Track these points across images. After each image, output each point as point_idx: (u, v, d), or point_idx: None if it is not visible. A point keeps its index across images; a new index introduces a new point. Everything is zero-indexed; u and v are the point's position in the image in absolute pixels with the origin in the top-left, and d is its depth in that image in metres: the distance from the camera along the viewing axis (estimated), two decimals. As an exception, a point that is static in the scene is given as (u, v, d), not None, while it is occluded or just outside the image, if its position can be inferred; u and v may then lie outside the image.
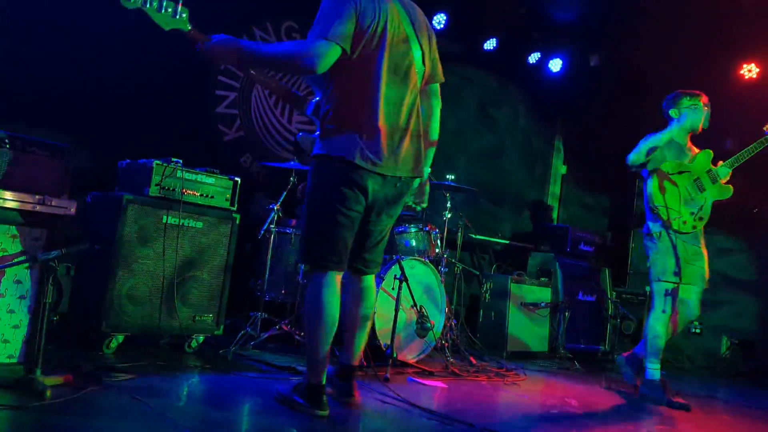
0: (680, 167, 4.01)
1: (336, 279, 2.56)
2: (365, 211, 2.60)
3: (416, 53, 2.63)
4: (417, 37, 2.64)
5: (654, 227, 3.96)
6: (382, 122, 2.51)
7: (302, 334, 3.95)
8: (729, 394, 4.87)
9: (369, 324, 2.81)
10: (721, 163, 4.12)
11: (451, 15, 5.90)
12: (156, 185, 3.40)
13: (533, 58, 6.58)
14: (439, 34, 5.86)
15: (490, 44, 6.25)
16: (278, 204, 4.04)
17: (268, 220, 4.00)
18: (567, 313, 5.43)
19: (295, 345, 3.94)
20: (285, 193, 4.11)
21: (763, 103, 5.61)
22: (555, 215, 7.35)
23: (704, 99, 4.11)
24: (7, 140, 2.46)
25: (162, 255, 3.39)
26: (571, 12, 6.14)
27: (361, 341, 2.79)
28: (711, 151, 4.12)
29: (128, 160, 3.59)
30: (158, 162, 3.40)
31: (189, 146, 4.48)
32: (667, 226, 3.89)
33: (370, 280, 2.80)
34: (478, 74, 6.48)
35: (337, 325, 2.56)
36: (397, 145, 2.56)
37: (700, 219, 3.98)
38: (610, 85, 6.88)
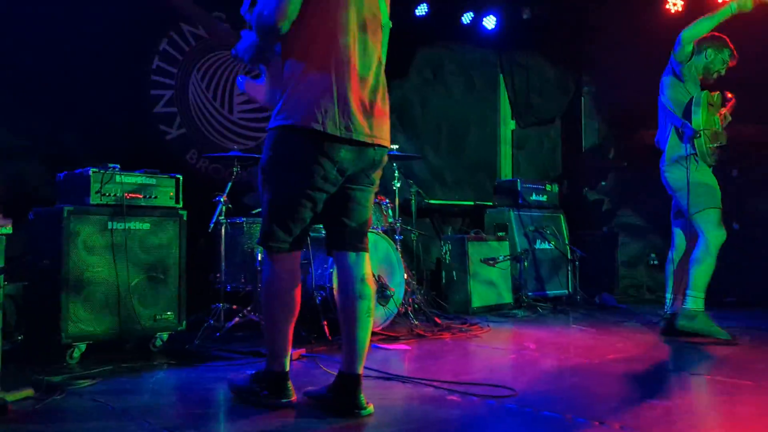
0: (710, 99, 4.06)
1: (293, 259, 2.35)
2: (345, 182, 2.33)
3: (383, 6, 2.39)
4: None
5: (688, 152, 3.98)
6: (354, 82, 2.25)
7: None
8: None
9: (371, 318, 2.37)
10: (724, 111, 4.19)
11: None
12: (96, 193, 3.42)
13: (467, 18, 6.62)
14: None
15: (421, 10, 6.27)
16: (225, 195, 4.08)
17: (216, 212, 4.05)
18: (526, 263, 5.59)
19: (261, 330, 4.01)
20: (231, 183, 4.14)
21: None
22: (510, 170, 7.48)
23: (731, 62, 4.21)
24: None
25: (113, 261, 3.42)
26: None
27: (367, 340, 2.34)
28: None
29: (66, 172, 3.59)
30: (95, 170, 3.42)
31: (132, 150, 4.48)
32: (703, 154, 3.97)
33: (367, 259, 2.42)
34: (414, 41, 6.51)
35: (297, 308, 2.36)
36: (370, 108, 2.29)
37: (720, 152, 4.08)
38: (545, 35, 6.97)
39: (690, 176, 3.95)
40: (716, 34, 4.21)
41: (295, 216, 2.29)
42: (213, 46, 5.23)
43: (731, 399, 2.58)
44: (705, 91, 4.08)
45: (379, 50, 2.37)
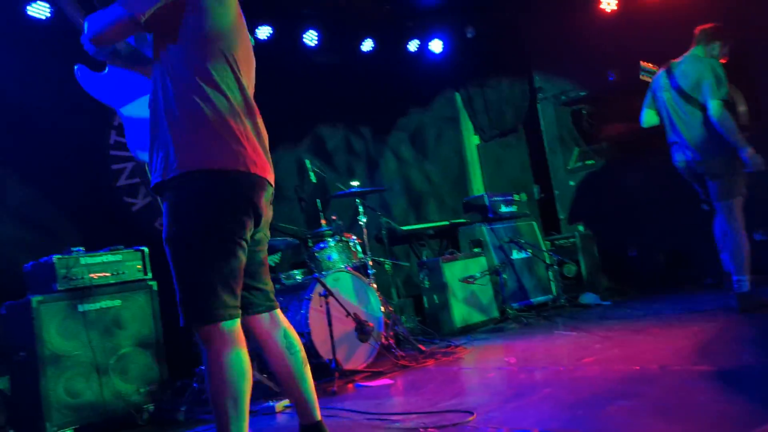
0: None
1: (240, 328, 2.06)
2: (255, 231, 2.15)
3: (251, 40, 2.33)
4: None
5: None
6: (254, 116, 2.12)
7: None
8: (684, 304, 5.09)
9: (308, 367, 2.29)
10: None
11: (321, 30, 6.06)
12: (63, 278, 3.50)
13: (413, 45, 6.78)
14: (314, 51, 6.08)
15: (367, 45, 6.42)
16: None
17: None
18: (505, 275, 5.65)
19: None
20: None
21: (626, 31, 5.93)
22: (480, 185, 7.58)
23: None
24: None
25: (88, 343, 3.48)
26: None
27: (311, 388, 2.26)
28: None
29: (32, 262, 3.67)
30: (58, 256, 3.50)
31: (100, 227, 4.58)
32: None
33: (279, 312, 2.30)
34: (364, 77, 6.64)
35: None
36: (263, 144, 2.15)
37: None
38: (492, 49, 7.13)
39: (730, 167, 4.12)
40: (720, 26, 4.35)
41: (233, 270, 2.01)
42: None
43: (691, 389, 2.64)
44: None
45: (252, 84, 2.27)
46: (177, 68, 2.04)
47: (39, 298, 3.39)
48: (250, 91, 2.19)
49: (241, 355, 1.99)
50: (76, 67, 2.38)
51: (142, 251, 3.84)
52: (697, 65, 4.24)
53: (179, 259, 2.01)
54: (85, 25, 2.09)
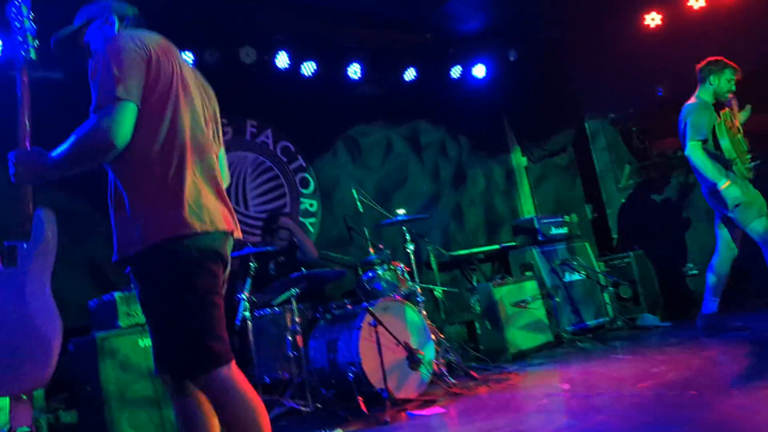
0: (726, 123, 4.41)
1: (236, 368, 2.01)
2: None
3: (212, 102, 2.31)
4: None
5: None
6: (201, 163, 2.08)
7: (304, 403, 4.15)
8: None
9: None
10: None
11: (364, 62, 6.19)
12: (125, 314, 3.67)
13: (455, 72, 6.84)
14: (359, 83, 6.22)
15: (410, 75, 6.51)
16: (246, 291, 4.28)
17: (241, 309, 4.24)
18: (558, 298, 5.56)
19: (303, 416, 4.11)
20: (249, 279, 4.35)
21: (672, 46, 5.84)
22: (531, 207, 7.51)
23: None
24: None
25: (150, 377, 3.63)
26: (474, 20, 6.42)
27: None
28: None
29: (96, 300, 3.87)
30: (120, 294, 3.68)
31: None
32: (743, 174, 4.32)
33: None
34: (409, 106, 6.74)
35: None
36: (217, 192, 2.11)
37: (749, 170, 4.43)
38: (536, 70, 7.12)
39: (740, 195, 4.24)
40: (712, 58, 4.48)
41: (216, 317, 2.01)
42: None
43: (749, 413, 2.54)
44: (721, 120, 4.36)
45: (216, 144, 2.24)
46: (127, 149, 1.97)
47: (102, 334, 3.57)
48: (200, 127, 2.12)
49: (243, 393, 1.96)
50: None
51: (198, 286, 3.98)
52: (685, 110, 4.46)
53: (160, 324, 2.00)
54: (72, 139, 1.96)
